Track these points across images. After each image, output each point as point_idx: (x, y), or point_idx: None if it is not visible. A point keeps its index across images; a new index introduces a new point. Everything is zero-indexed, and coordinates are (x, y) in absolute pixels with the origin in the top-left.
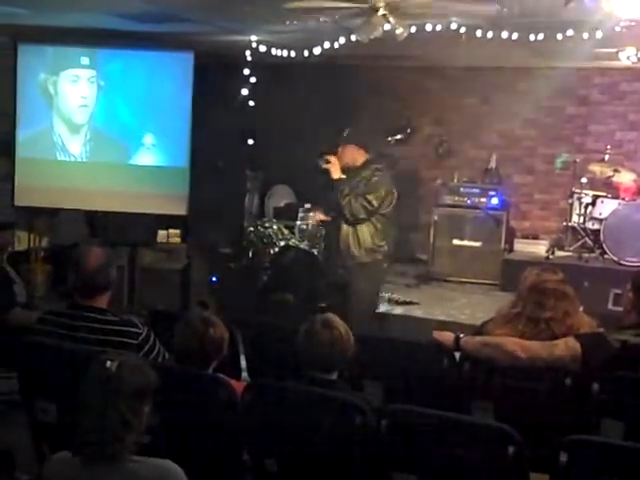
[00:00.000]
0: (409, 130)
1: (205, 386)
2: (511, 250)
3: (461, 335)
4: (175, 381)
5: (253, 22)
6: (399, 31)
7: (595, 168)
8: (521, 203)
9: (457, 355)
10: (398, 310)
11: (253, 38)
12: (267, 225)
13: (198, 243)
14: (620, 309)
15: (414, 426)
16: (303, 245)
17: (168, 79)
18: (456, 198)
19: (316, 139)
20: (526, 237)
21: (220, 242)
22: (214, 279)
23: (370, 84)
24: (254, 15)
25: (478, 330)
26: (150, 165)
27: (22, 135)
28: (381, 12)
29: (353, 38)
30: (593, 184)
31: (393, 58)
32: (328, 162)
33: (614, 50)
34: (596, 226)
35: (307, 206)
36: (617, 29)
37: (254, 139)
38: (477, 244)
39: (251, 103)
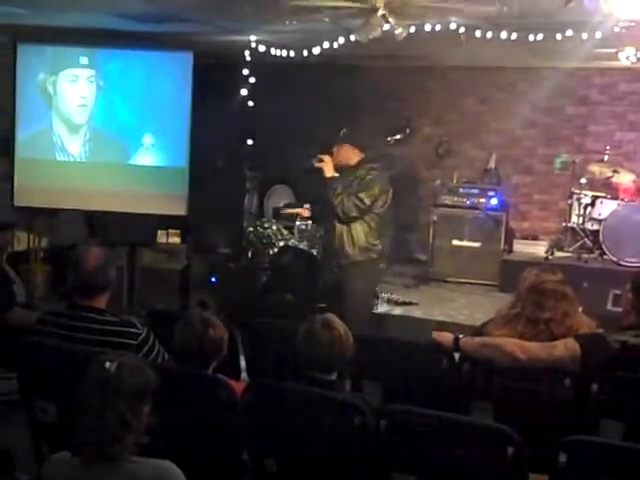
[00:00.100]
0: (408, 130)
1: (205, 386)
2: (510, 251)
3: (460, 336)
4: (175, 381)
5: (252, 22)
6: (398, 31)
7: (594, 169)
8: (520, 203)
9: (456, 356)
10: (397, 310)
11: (252, 38)
12: (266, 225)
13: (197, 243)
14: (619, 310)
15: (413, 426)
16: (302, 245)
17: (167, 79)
18: (455, 198)
19: (315, 139)
20: (525, 238)
21: (219, 242)
22: (213, 279)
23: (369, 84)
24: (253, 15)
25: (477, 331)
26: (149, 165)
27: (21, 135)
28: (380, 12)
29: (352, 38)
30: (592, 185)
31: (392, 58)
32: (321, 161)
33: (613, 50)
34: (595, 227)
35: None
36: (616, 29)
37: (253, 139)
38: (476, 245)
39: (250, 103)
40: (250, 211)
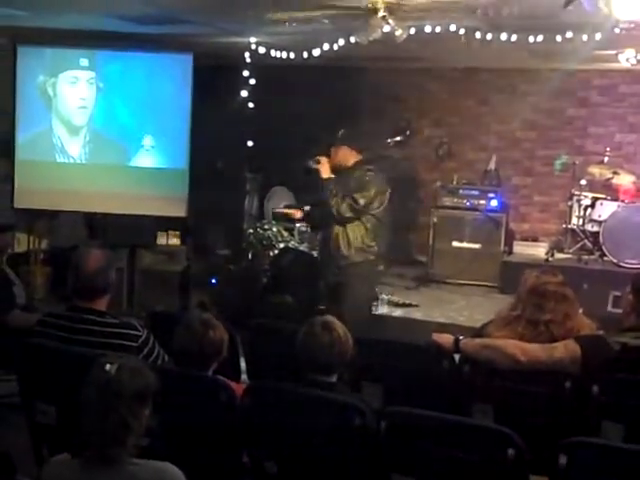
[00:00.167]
0: (409, 132)
1: (205, 388)
2: (510, 252)
3: (461, 337)
4: (174, 383)
5: (252, 24)
6: (398, 33)
7: (594, 170)
8: (520, 205)
9: (457, 357)
10: (397, 312)
11: (252, 40)
12: (266, 227)
13: (197, 245)
14: (620, 311)
15: (414, 428)
16: (302, 247)
17: (167, 81)
18: (455, 200)
19: (316, 141)
20: (525, 239)
21: (219, 244)
22: (213, 281)
23: (370, 86)
24: (253, 18)
25: (478, 332)
26: (149, 167)
27: (21, 137)
28: (380, 14)
29: (352, 40)
30: (592, 186)
31: (392, 60)
32: (318, 162)
33: (613, 52)
34: (595, 228)
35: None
36: (616, 31)
37: (253, 141)
38: (476, 246)
39: (250, 105)
40: (250, 213)
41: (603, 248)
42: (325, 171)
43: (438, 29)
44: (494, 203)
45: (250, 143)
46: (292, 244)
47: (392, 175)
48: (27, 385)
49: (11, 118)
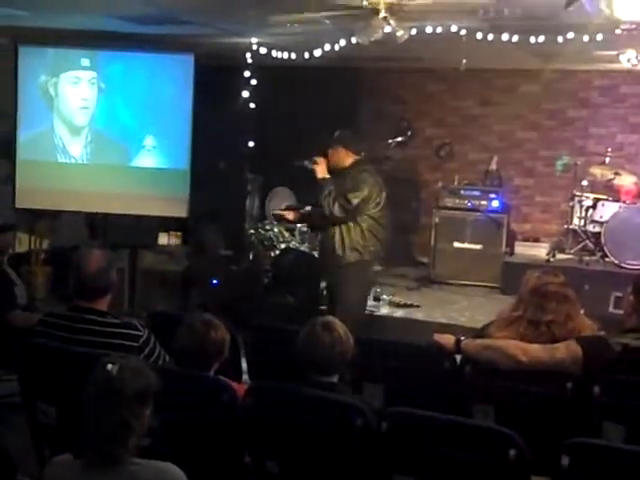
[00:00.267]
0: (410, 132)
1: (206, 388)
2: (512, 253)
3: (462, 338)
4: (176, 383)
5: (254, 24)
6: (400, 33)
7: (596, 171)
8: (522, 206)
9: (458, 358)
10: (399, 313)
11: (254, 40)
12: (268, 228)
13: (199, 245)
14: (621, 312)
15: (415, 429)
16: (303, 247)
17: (169, 81)
18: (457, 201)
19: (317, 141)
20: (527, 240)
21: (221, 244)
22: (215, 281)
23: (371, 86)
24: (254, 18)
25: (479, 333)
26: (151, 167)
27: (23, 137)
28: (382, 14)
29: (354, 40)
30: (594, 187)
31: (394, 60)
32: (315, 163)
33: (614, 53)
34: (597, 229)
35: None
36: (617, 32)
37: (255, 141)
38: (478, 247)
39: (252, 105)
40: (251, 213)
41: (604, 249)
42: (321, 171)
43: (439, 30)
44: (495, 204)
45: (251, 143)
46: (293, 244)
47: (393, 175)
48: (28, 385)
49: (12, 118)
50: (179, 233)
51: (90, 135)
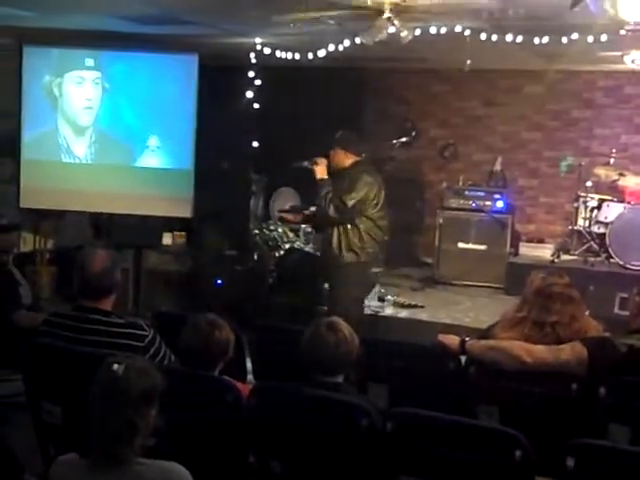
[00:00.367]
0: (414, 133)
1: (211, 388)
2: (516, 253)
3: (467, 338)
4: (181, 383)
5: (257, 24)
6: (404, 34)
7: (600, 171)
8: (526, 206)
9: (462, 359)
10: (403, 313)
11: (257, 40)
12: (272, 228)
13: (203, 245)
14: (626, 313)
15: (420, 429)
16: (308, 248)
17: (172, 81)
18: (461, 201)
19: (320, 142)
20: (531, 240)
21: (225, 244)
22: (219, 281)
23: (375, 87)
24: (257, 19)
25: (483, 334)
26: (155, 167)
27: (27, 137)
28: (386, 15)
29: (358, 41)
30: (598, 188)
31: (398, 61)
32: (315, 163)
33: (619, 53)
34: (602, 230)
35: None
36: (622, 32)
37: (259, 142)
38: (482, 247)
39: (256, 105)
40: (256, 214)
41: (609, 250)
42: (321, 172)
43: (443, 30)
44: (500, 204)
45: (255, 144)
46: (298, 245)
47: (398, 176)
48: (33, 385)
49: (17, 118)
50: (183, 233)
51: (94, 135)
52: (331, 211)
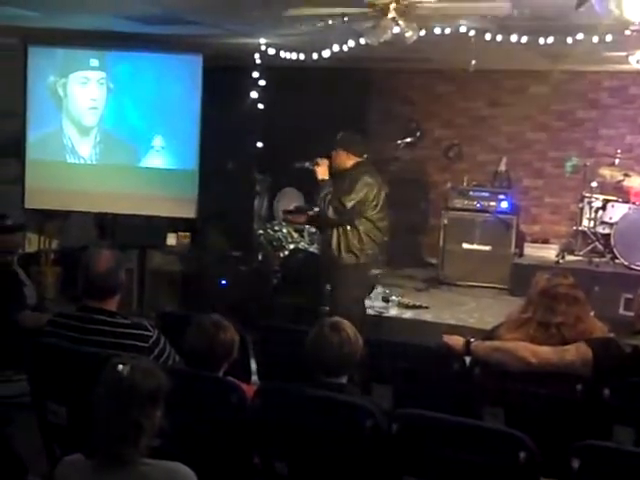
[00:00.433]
0: (419, 133)
1: (215, 389)
2: (521, 254)
3: (471, 339)
4: (185, 384)
5: (262, 25)
6: (408, 34)
7: (605, 172)
8: (531, 207)
9: (467, 359)
10: (408, 314)
11: (262, 41)
12: (276, 228)
13: (207, 246)
14: (631, 314)
15: (425, 431)
16: (312, 248)
17: (177, 81)
18: (466, 202)
19: (325, 142)
20: (536, 241)
21: (230, 245)
22: (224, 282)
23: (380, 87)
24: (262, 19)
25: (488, 335)
26: (159, 167)
27: (32, 137)
28: (391, 15)
29: (362, 41)
30: (603, 188)
31: (403, 61)
32: (317, 164)
33: (624, 54)
34: (607, 230)
35: (291, 207)
36: (627, 33)
37: (263, 142)
38: (487, 248)
39: (260, 106)
40: (260, 214)
41: (614, 250)
42: (321, 173)
43: (448, 31)
44: (504, 205)
45: (260, 144)
46: (302, 245)
47: (402, 176)
48: (38, 385)
49: (22, 118)
50: (188, 233)
51: (99, 135)
52: (330, 212)
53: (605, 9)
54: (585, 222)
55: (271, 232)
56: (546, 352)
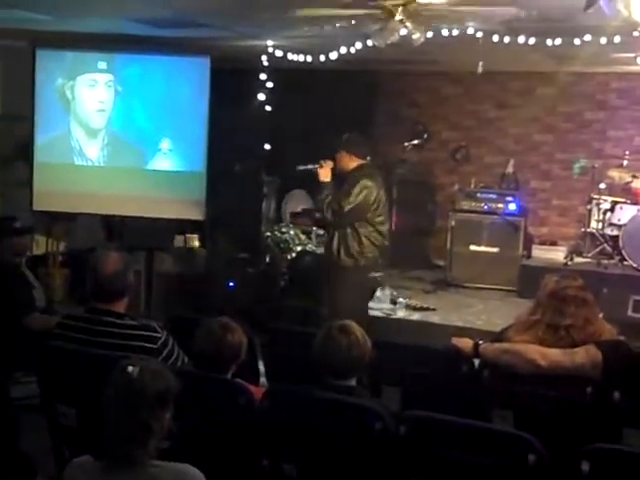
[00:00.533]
0: (426, 135)
1: (224, 391)
2: (529, 256)
3: (480, 342)
4: (194, 386)
5: (269, 27)
6: (416, 36)
7: (614, 174)
8: (539, 209)
9: (476, 362)
10: (415, 316)
11: (269, 43)
12: (284, 230)
13: (215, 248)
14: None
15: (433, 433)
16: (320, 250)
17: (185, 84)
18: (473, 204)
19: (332, 144)
20: (544, 243)
21: (237, 247)
22: (231, 284)
23: (387, 89)
24: (270, 21)
25: (497, 337)
26: (167, 170)
27: (40, 140)
28: (398, 17)
29: (370, 43)
30: (612, 190)
31: (410, 63)
32: (320, 166)
33: (632, 55)
34: (615, 232)
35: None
36: (635, 34)
37: (271, 144)
38: (494, 250)
39: (268, 108)
40: (268, 216)
41: (623, 252)
42: (324, 175)
43: (455, 32)
44: (512, 207)
45: (267, 146)
46: (310, 247)
47: (409, 179)
48: (47, 387)
49: (30, 121)
50: (195, 236)
51: (107, 138)
52: (329, 215)
53: (613, 10)
54: (593, 224)
55: (279, 234)
56: (555, 354)
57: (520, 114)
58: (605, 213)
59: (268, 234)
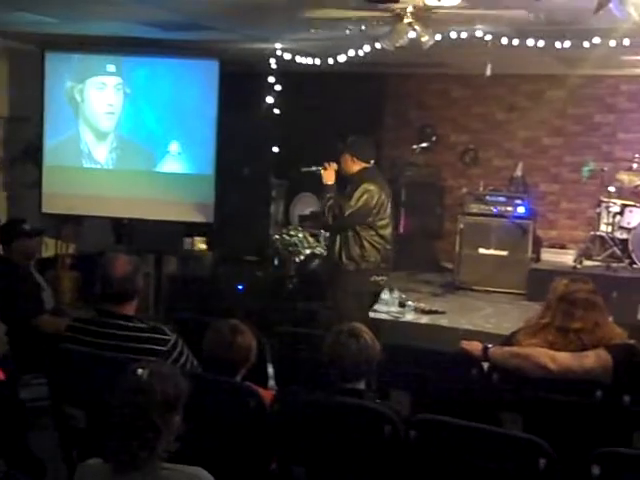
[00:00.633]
0: (434, 138)
1: (233, 394)
2: (538, 259)
3: (489, 345)
4: (203, 388)
5: (278, 30)
6: (424, 39)
7: (623, 177)
8: (548, 212)
9: (485, 365)
10: (424, 319)
11: (278, 46)
12: (292, 233)
13: (224, 251)
14: None
15: (443, 437)
16: None
17: (194, 87)
18: (482, 207)
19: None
20: (553, 246)
21: (246, 250)
22: (240, 287)
23: (395, 92)
24: (279, 24)
25: (507, 340)
26: (176, 172)
27: (49, 143)
28: (407, 20)
29: (378, 46)
30: (621, 193)
31: (418, 66)
32: (324, 168)
33: None
34: (624, 235)
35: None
36: None
37: (279, 147)
38: (503, 253)
39: (276, 111)
40: (276, 219)
41: (632, 255)
42: (327, 177)
43: (464, 35)
44: (521, 210)
45: (276, 149)
46: (318, 250)
47: (418, 181)
48: (57, 390)
49: (39, 124)
50: (204, 238)
51: (115, 140)
52: (330, 218)
53: (623, 13)
54: (603, 227)
55: (287, 237)
56: (565, 358)
57: (529, 117)
58: (614, 216)
59: (277, 237)
